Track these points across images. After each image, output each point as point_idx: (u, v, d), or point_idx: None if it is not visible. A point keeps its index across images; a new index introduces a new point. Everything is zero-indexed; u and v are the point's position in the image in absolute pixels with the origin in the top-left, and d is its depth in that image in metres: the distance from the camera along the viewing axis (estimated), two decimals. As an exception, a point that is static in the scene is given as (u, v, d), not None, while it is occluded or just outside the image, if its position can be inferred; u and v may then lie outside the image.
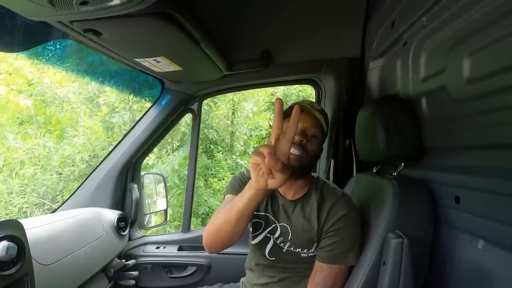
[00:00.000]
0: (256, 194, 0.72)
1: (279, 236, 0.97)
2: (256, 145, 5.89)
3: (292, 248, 0.96)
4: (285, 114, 0.90)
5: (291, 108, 0.93)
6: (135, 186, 1.62)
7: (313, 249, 0.95)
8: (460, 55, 0.72)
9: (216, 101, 5.19)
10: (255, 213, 0.99)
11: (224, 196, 1.04)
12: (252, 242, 1.03)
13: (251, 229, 1.03)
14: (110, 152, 1.57)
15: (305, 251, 0.95)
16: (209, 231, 0.88)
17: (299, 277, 0.97)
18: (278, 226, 0.98)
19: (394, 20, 1.07)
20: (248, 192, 0.74)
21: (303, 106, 0.93)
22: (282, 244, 0.97)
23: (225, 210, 0.83)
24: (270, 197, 1.00)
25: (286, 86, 5.85)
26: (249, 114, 5.52)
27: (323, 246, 0.91)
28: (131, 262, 1.49)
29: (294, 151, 0.89)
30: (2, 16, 1.07)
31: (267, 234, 0.99)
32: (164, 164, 4.49)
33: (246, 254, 1.12)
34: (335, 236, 0.89)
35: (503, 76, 0.60)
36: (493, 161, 0.67)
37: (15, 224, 0.83)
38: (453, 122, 0.79)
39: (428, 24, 0.87)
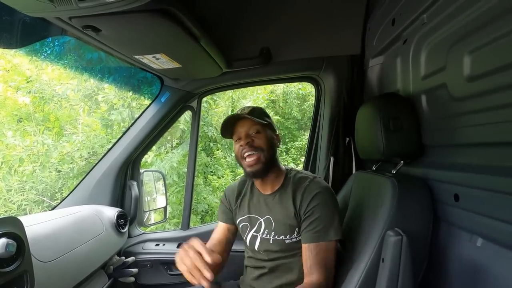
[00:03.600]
0: None
1: (264, 230, 1.05)
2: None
3: (276, 237, 1.02)
4: (227, 130, 1.06)
5: (226, 122, 1.04)
6: (135, 183, 1.62)
7: (295, 235, 1.00)
8: (461, 53, 0.72)
9: (215, 98, 5.19)
10: (240, 218, 1.11)
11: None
12: (245, 242, 1.12)
13: (240, 232, 1.13)
14: (109, 149, 1.56)
15: (287, 237, 1.00)
16: None
17: (287, 266, 1.02)
18: (262, 221, 1.06)
19: (395, 18, 1.07)
20: None
21: (237, 115, 1.03)
22: (268, 236, 1.03)
23: None
24: (251, 198, 1.11)
25: (286, 84, 5.85)
26: (248, 112, 5.50)
27: (304, 227, 0.96)
28: (131, 259, 1.49)
29: (249, 153, 0.99)
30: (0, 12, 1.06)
31: (254, 233, 1.07)
32: (163, 162, 4.49)
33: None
34: (313, 214, 0.95)
35: (503, 74, 0.60)
36: (493, 159, 0.67)
37: (14, 221, 0.83)
38: (453, 120, 0.79)
39: (429, 22, 0.87)
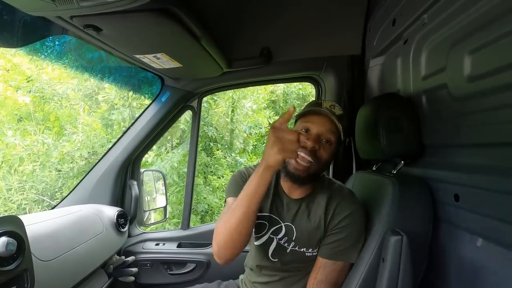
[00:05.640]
0: (265, 171, 0.76)
1: (283, 236, 0.95)
2: (256, 143, 5.90)
3: (297, 248, 0.94)
4: (303, 114, 0.94)
5: (309, 109, 0.93)
6: (135, 183, 1.62)
7: (317, 248, 0.93)
8: (461, 53, 0.72)
9: (215, 98, 5.18)
10: (258, 214, 0.92)
11: (225, 200, 1.02)
12: (255, 243, 1.01)
13: (254, 230, 0.99)
14: (109, 149, 1.56)
15: (310, 250, 0.94)
16: (221, 235, 0.84)
17: (301, 275, 0.96)
18: (283, 225, 0.96)
19: (395, 18, 1.07)
20: (257, 172, 0.78)
21: (321, 111, 0.91)
22: (286, 244, 0.95)
23: (234, 206, 0.82)
24: (274, 196, 0.98)
25: (286, 84, 5.84)
26: (248, 112, 5.51)
27: (327, 242, 0.90)
28: (131, 258, 1.49)
29: (304, 155, 0.87)
30: (0, 10, 1.06)
31: (271, 235, 0.97)
32: (163, 162, 4.49)
33: (246, 252, 1.11)
34: (340, 233, 0.89)
35: (503, 74, 0.60)
36: (493, 159, 0.67)
37: (14, 220, 0.83)
38: (453, 120, 0.79)
39: (429, 22, 0.87)
